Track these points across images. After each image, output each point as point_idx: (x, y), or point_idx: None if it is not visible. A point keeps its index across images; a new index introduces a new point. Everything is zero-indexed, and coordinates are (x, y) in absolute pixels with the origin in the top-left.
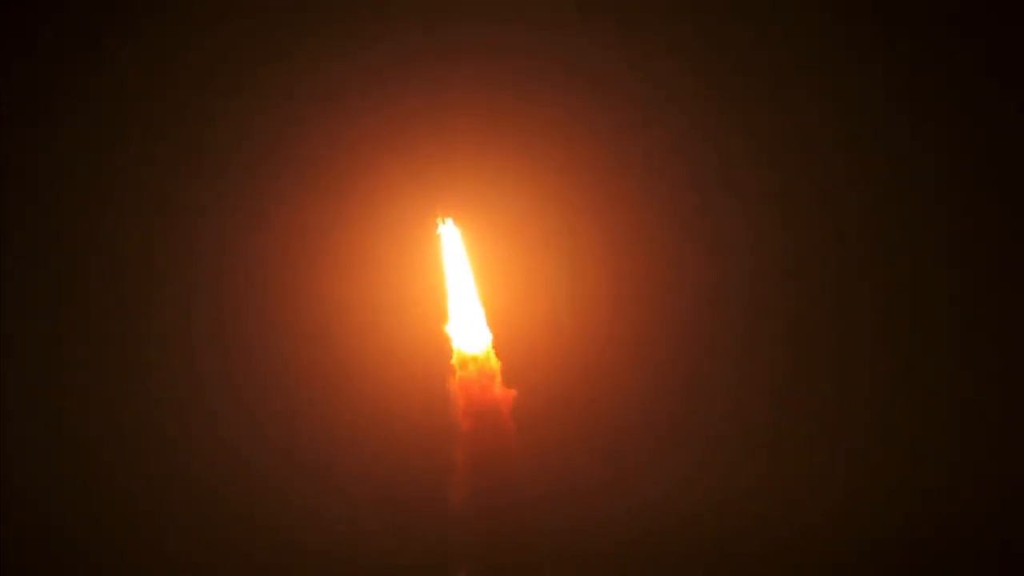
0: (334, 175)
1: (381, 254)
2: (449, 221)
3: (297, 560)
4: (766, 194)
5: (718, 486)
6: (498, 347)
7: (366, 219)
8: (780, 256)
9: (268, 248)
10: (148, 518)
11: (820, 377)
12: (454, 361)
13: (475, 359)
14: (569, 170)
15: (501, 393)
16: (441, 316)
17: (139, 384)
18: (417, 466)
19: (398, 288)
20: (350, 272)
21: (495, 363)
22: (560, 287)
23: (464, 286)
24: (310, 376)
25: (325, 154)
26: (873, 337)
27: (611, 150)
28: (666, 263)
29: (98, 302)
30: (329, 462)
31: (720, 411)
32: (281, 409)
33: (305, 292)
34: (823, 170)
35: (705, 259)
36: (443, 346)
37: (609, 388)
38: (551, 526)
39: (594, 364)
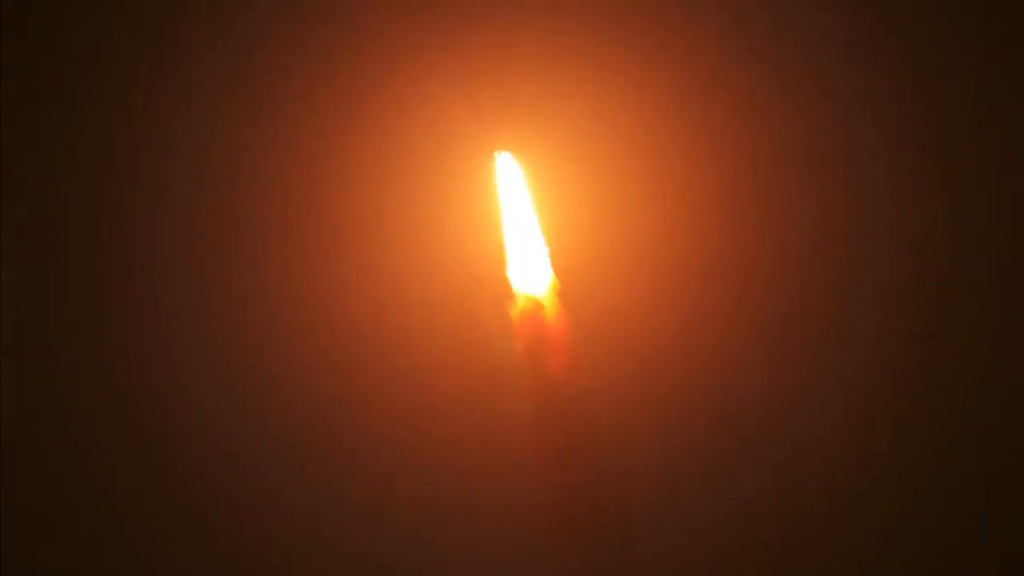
0: (383, 105)
1: (433, 190)
2: (507, 154)
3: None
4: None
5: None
6: (564, 298)
7: (417, 152)
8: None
9: (315, 185)
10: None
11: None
12: (515, 307)
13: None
14: (657, 97)
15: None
16: (500, 259)
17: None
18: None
19: (452, 229)
20: (401, 213)
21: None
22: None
23: (525, 227)
24: (356, 324)
25: (374, 84)
26: None
27: (719, 70)
28: (780, 211)
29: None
30: (378, 419)
31: (843, 403)
32: (325, 363)
33: (354, 232)
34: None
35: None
36: (503, 290)
37: (699, 367)
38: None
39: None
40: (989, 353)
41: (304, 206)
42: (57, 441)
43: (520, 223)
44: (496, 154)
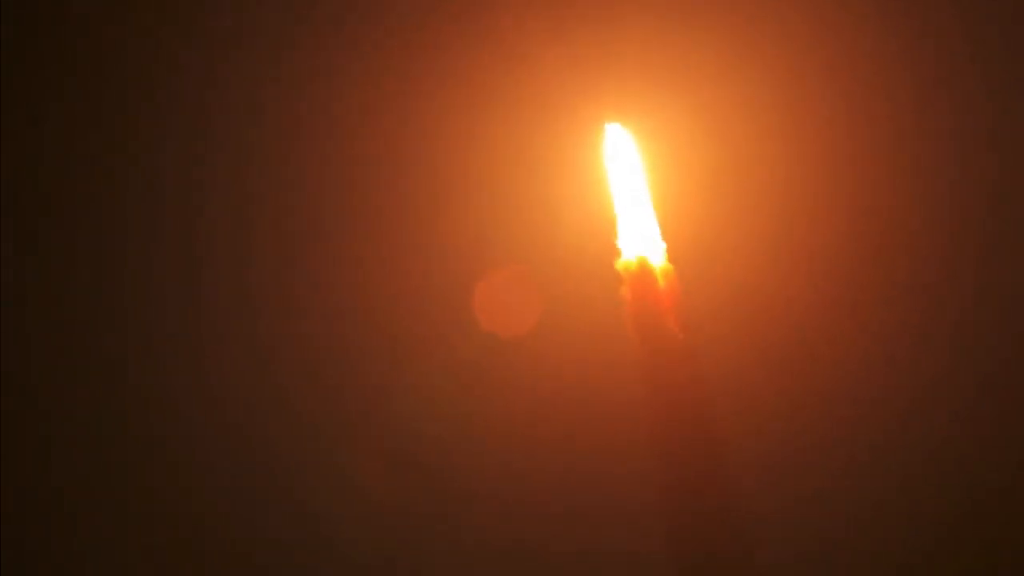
0: (488, 76)
1: (542, 162)
2: (617, 125)
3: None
4: None
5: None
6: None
7: (526, 124)
8: None
9: (422, 156)
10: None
11: None
12: (627, 283)
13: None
14: (775, 68)
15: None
16: (611, 232)
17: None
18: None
19: (562, 202)
20: (510, 187)
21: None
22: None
23: (635, 200)
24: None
25: (479, 53)
26: None
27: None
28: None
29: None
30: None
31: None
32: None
33: (460, 203)
34: None
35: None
36: (614, 265)
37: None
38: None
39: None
40: None
41: (417, 183)
42: (59, 440)
43: (631, 196)
44: (606, 125)
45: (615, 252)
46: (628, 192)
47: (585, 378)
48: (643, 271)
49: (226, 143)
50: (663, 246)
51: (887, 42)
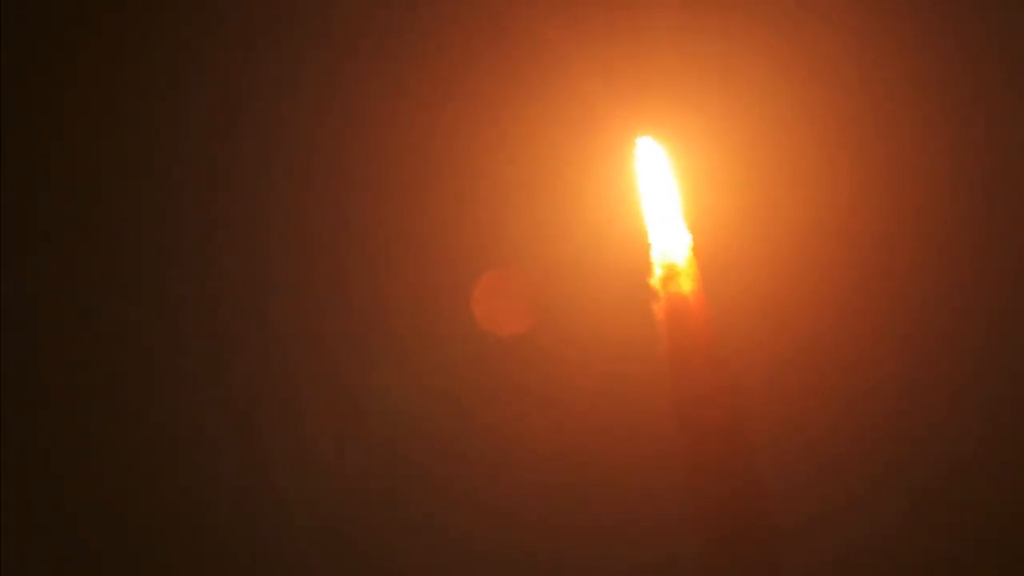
0: (523, 91)
1: (573, 175)
2: (648, 138)
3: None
4: None
5: None
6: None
7: (557, 138)
8: None
9: (450, 167)
10: None
11: None
12: (658, 295)
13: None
14: (801, 79)
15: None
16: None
17: None
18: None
19: (593, 214)
20: (540, 200)
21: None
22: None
23: (666, 212)
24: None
25: (514, 69)
26: None
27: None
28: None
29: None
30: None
31: None
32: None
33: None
34: None
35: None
36: (645, 277)
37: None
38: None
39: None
40: None
41: (447, 195)
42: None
43: (662, 208)
44: (637, 138)
45: (646, 263)
46: (659, 204)
47: (614, 388)
48: (674, 282)
49: (245, 140)
50: (693, 257)
51: (923, 54)
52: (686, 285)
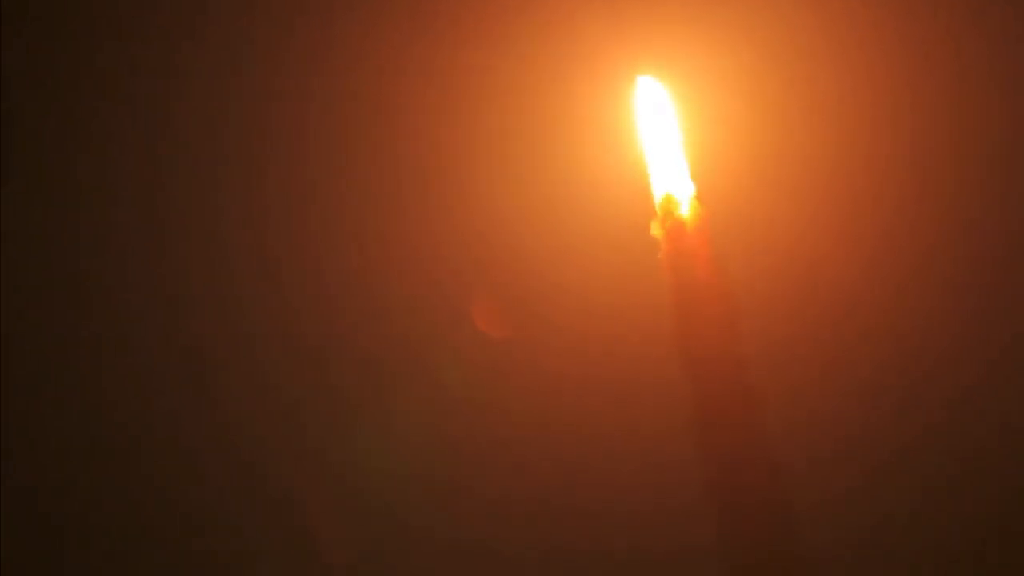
0: (524, 30)
1: (575, 115)
2: (649, 77)
3: None
4: None
5: None
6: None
7: (558, 77)
8: None
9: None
10: None
11: None
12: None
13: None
14: (801, 16)
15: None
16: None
17: None
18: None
19: (594, 153)
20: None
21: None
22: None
23: (667, 150)
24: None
25: (512, 5)
26: None
27: None
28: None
29: None
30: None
31: None
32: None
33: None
34: None
35: None
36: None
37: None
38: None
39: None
40: None
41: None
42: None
43: (663, 147)
44: (638, 78)
45: (648, 203)
46: (660, 141)
47: (617, 330)
48: (674, 213)
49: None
50: (693, 190)
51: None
52: (689, 224)
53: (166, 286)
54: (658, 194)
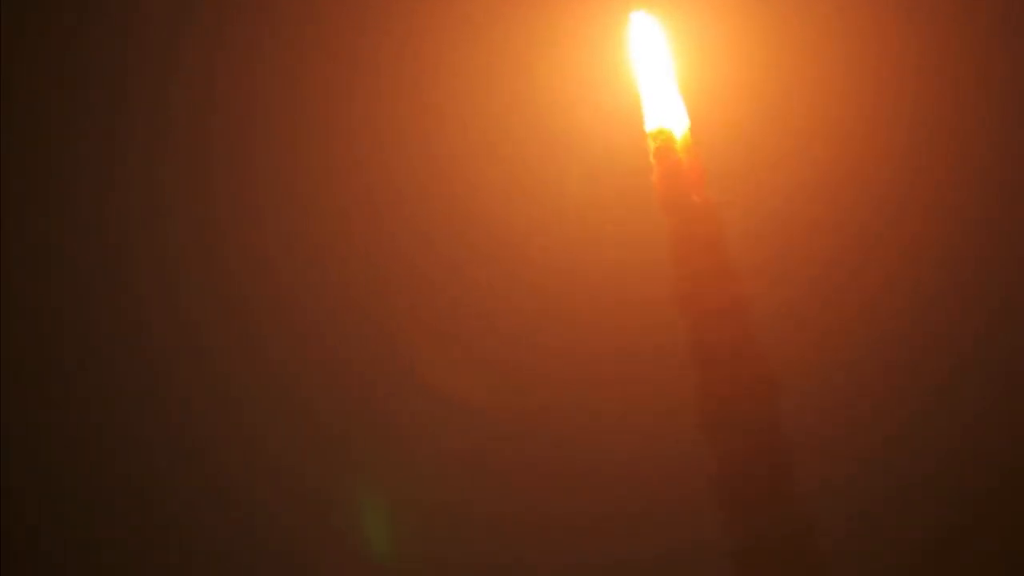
0: None
1: (565, 50)
2: (642, 13)
3: None
4: None
5: None
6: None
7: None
8: None
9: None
10: None
11: None
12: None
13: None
14: None
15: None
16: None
17: None
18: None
19: (589, 86)
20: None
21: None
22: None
23: (660, 82)
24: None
25: None
26: None
27: None
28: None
29: None
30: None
31: None
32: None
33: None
34: None
35: None
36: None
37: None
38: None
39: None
40: None
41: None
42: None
43: (657, 82)
44: (631, 13)
45: (642, 136)
46: (653, 73)
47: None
48: (668, 141)
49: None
50: (687, 120)
51: None
52: (680, 143)
53: (166, 286)
54: (652, 129)
